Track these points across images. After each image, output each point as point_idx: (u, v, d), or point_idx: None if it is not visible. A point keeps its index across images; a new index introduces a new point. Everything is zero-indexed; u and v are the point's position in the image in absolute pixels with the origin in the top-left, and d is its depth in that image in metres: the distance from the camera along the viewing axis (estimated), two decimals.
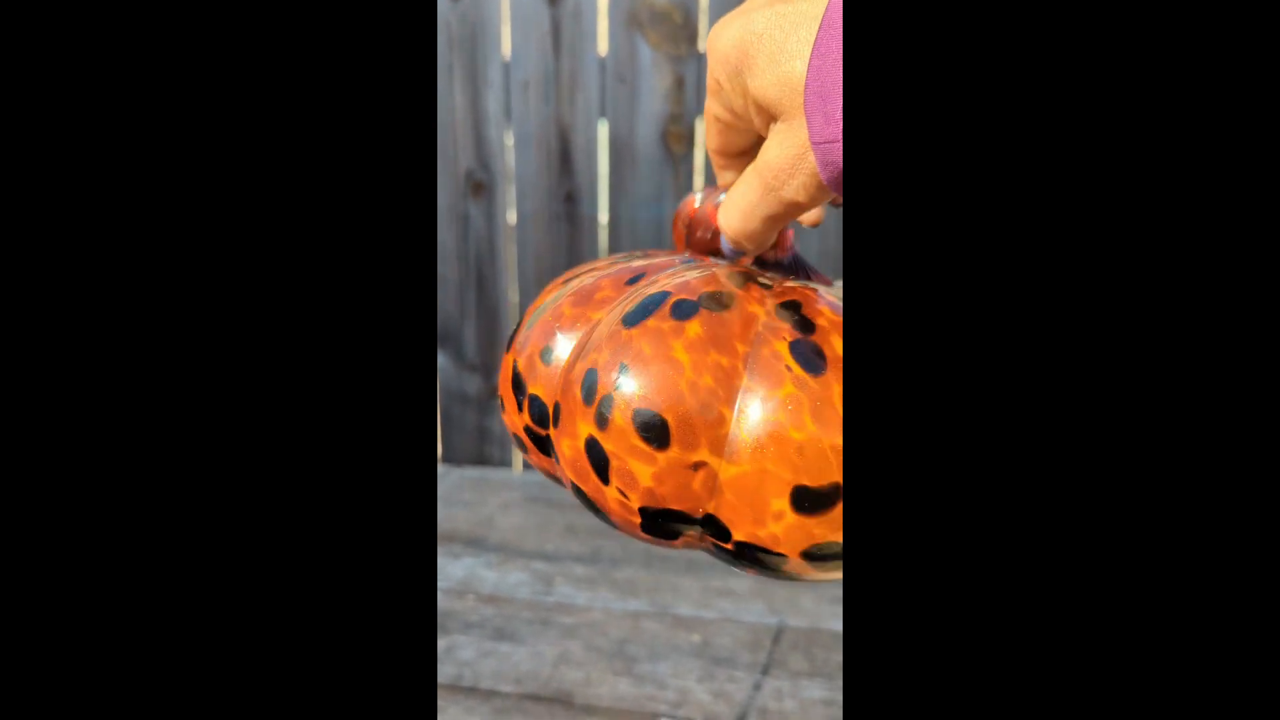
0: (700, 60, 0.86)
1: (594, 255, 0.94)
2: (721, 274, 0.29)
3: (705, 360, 0.26)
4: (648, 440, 0.25)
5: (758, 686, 0.64)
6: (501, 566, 0.80)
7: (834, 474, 0.24)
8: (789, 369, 0.25)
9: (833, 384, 0.25)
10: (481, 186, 0.93)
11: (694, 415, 0.25)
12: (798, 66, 0.25)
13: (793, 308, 0.27)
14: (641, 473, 0.26)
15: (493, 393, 1.00)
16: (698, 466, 0.25)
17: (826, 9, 0.24)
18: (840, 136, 0.24)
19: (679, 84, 0.87)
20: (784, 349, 0.25)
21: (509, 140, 0.91)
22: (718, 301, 0.27)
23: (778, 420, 0.24)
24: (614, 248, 0.93)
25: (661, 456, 0.25)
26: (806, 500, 0.24)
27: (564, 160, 0.91)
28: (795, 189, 0.27)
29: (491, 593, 0.76)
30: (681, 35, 0.86)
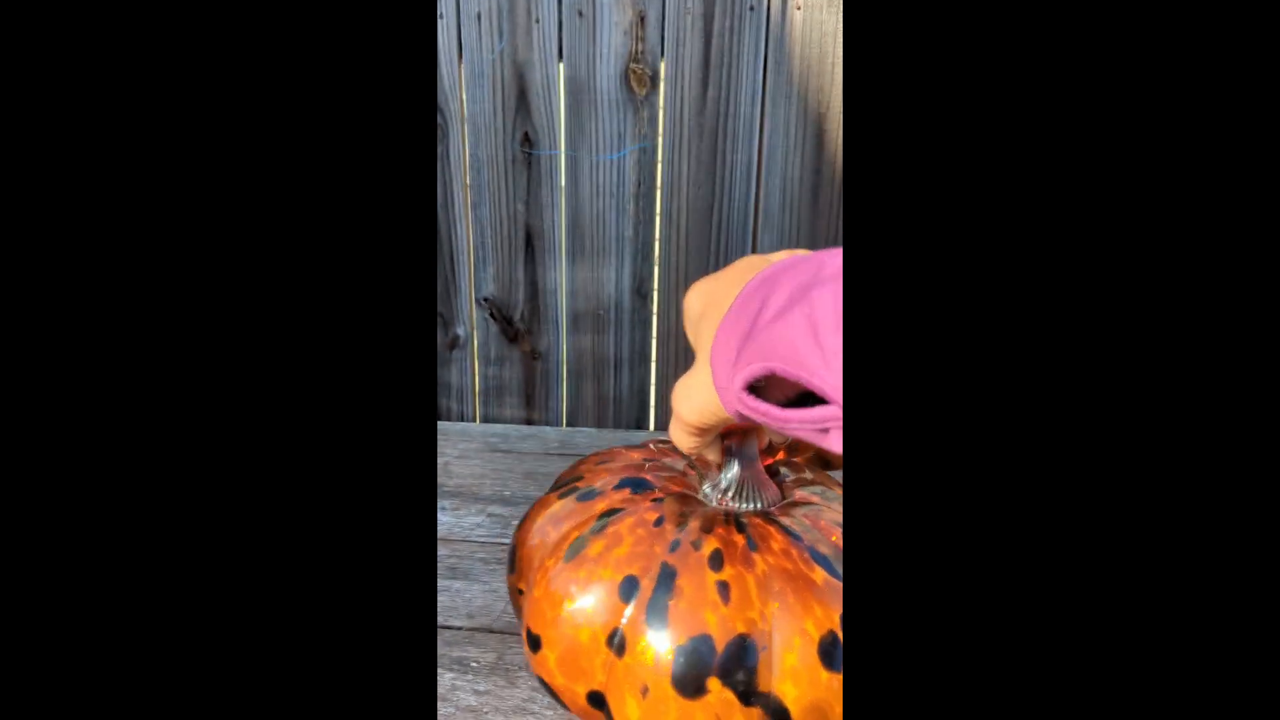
0: None
1: (554, 202, 0.92)
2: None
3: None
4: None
5: None
6: (457, 511, 0.78)
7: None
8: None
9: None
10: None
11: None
12: (710, 328, 0.34)
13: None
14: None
15: (450, 345, 0.98)
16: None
17: (736, 297, 0.33)
18: (726, 388, 0.33)
19: (640, 20, 0.85)
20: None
21: (462, 78, 0.89)
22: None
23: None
24: (571, 193, 0.91)
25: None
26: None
27: (520, 100, 0.88)
28: (687, 410, 0.37)
29: (445, 534, 0.74)
30: None
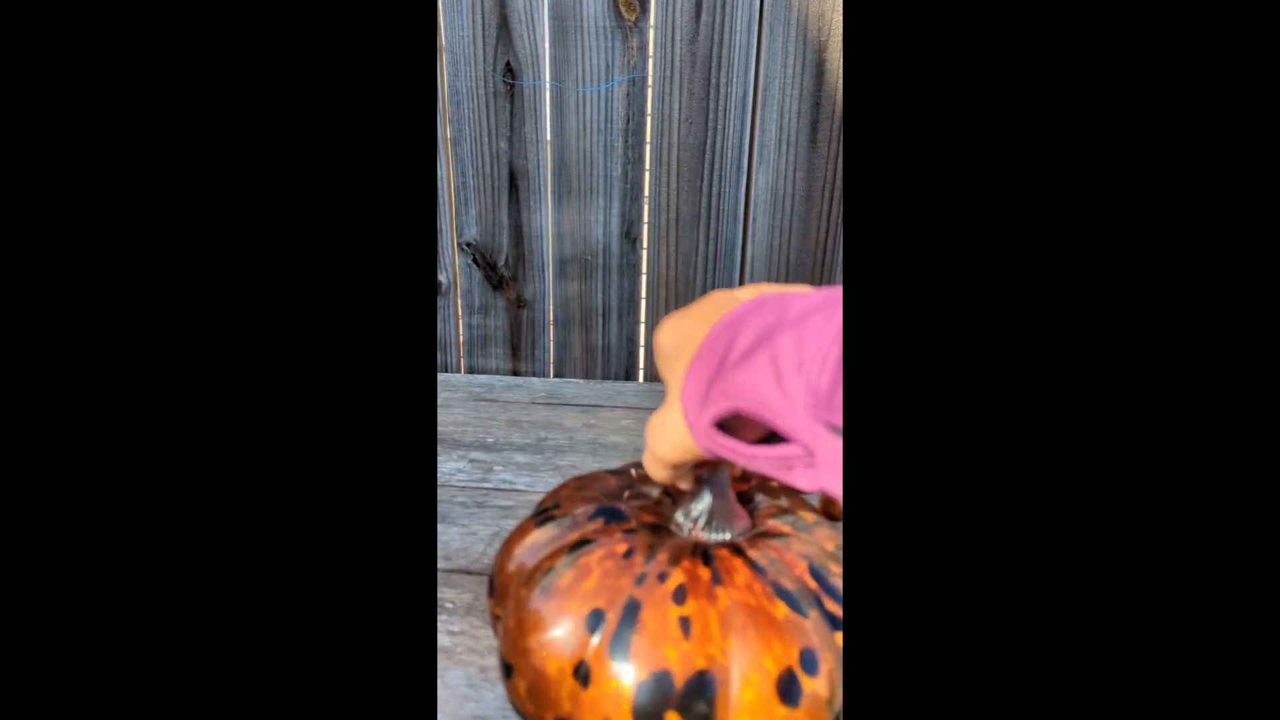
0: None
1: (538, 139, 0.87)
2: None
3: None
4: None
5: None
6: (438, 456, 0.74)
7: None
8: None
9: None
10: None
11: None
12: (682, 367, 0.36)
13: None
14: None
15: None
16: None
17: (702, 340, 0.34)
18: (696, 425, 0.35)
19: None
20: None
21: (439, 1, 0.84)
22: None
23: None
24: (557, 129, 0.86)
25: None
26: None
27: (501, 26, 0.84)
28: (660, 445, 0.38)
29: None
30: None
